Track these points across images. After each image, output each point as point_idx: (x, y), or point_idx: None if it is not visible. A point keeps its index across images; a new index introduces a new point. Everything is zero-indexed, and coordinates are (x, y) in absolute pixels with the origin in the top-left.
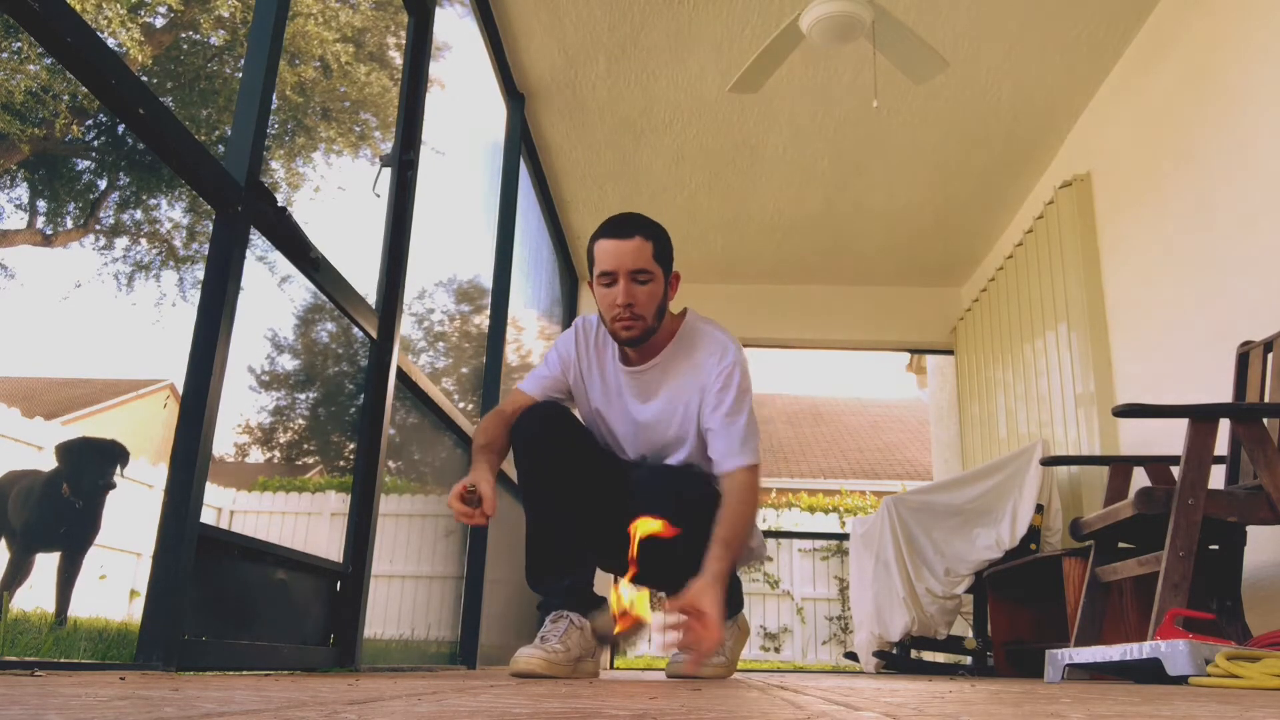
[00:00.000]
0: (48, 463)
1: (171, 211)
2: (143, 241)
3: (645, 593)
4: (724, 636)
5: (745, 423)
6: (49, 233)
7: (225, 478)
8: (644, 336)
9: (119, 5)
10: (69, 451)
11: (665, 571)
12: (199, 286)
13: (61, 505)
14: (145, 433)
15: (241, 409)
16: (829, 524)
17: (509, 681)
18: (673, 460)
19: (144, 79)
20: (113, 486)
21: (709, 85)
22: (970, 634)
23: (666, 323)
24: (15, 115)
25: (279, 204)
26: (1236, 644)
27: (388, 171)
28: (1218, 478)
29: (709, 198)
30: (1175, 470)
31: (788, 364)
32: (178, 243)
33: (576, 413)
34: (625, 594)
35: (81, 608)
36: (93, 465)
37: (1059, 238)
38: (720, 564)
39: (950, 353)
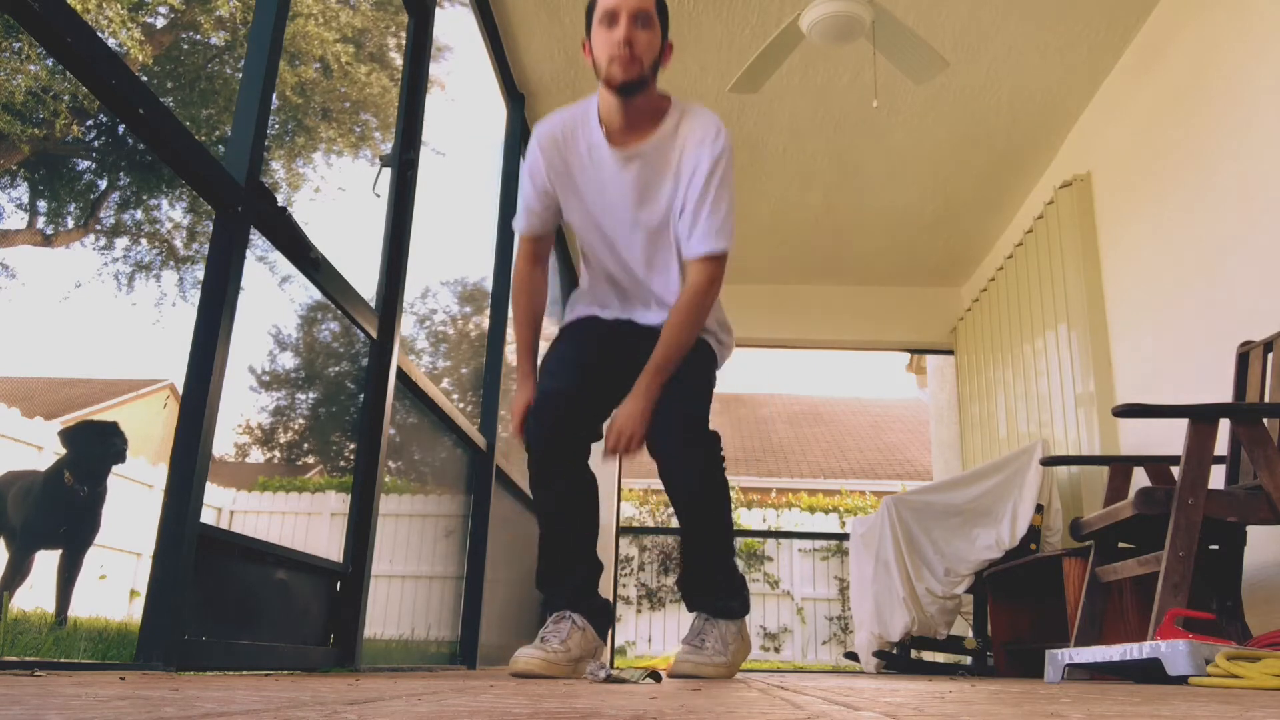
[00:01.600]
0: (47, 462)
1: (171, 211)
2: (143, 241)
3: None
4: (640, 432)
5: (727, 210)
6: (49, 233)
7: (225, 478)
8: (639, 84)
9: (119, 5)
10: (71, 435)
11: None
12: (199, 286)
13: (64, 498)
14: (145, 433)
15: (241, 409)
16: (829, 524)
17: (509, 681)
18: (667, 255)
19: (144, 79)
20: (121, 460)
21: (709, 85)
22: (970, 634)
23: (655, 100)
24: (15, 115)
25: (279, 204)
26: (1236, 644)
27: (388, 171)
28: (1218, 478)
29: None
30: (1175, 470)
31: (788, 364)
32: (178, 243)
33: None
34: None
35: (81, 608)
36: (96, 445)
37: (1059, 238)
38: (652, 389)
39: (950, 353)
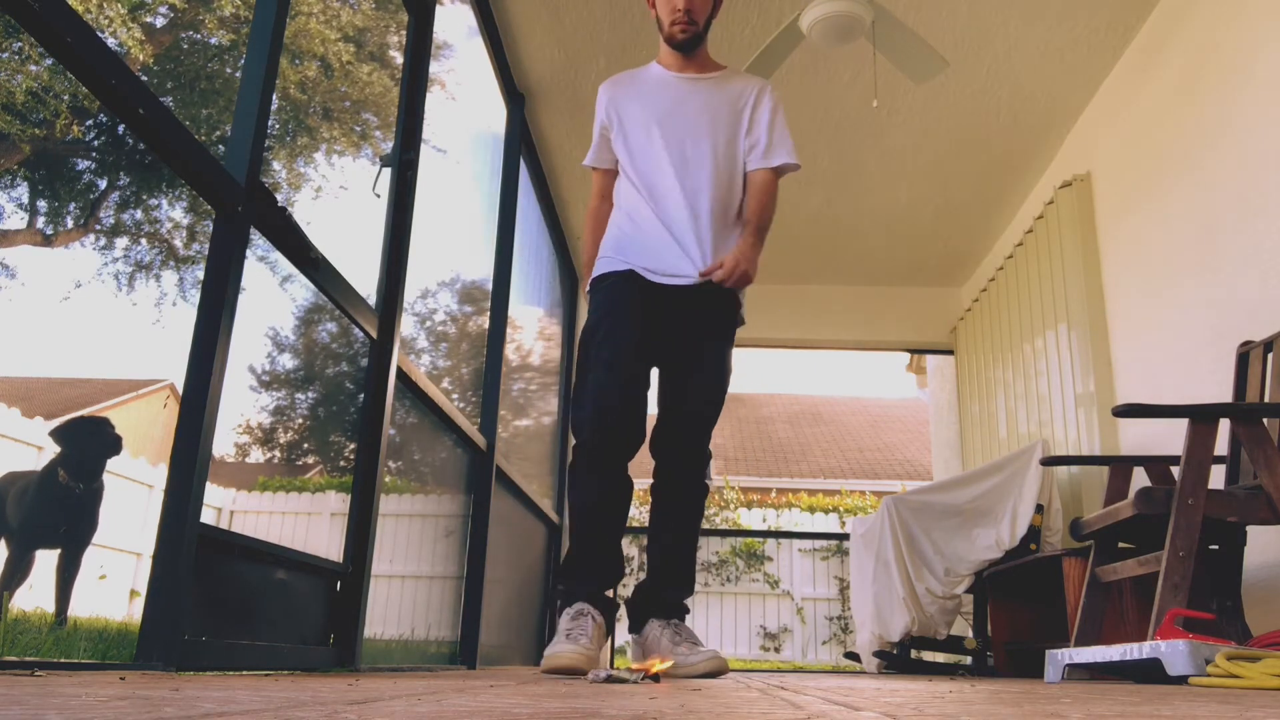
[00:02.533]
0: (45, 463)
1: (171, 211)
2: (143, 241)
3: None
4: (752, 274)
5: (788, 129)
6: (49, 233)
7: (225, 478)
8: (696, 41)
9: (120, 5)
10: (64, 433)
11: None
12: (199, 286)
13: (60, 495)
14: (145, 433)
15: (241, 409)
16: (829, 524)
17: (509, 681)
18: (715, 179)
19: (144, 79)
20: (116, 452)
21: None
22: (970, 634)
23: (709, 58)
24: (15, 115)
25: (279, 204)
26: (1236, 644)
27: (388, 171)
28: (1218, 478)
29: None
30: (1175, 470)
31: (788, 364)
32: (178, 243)
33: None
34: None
35: (81, 608)
36: (89, 441)
37: (1059, 238)
38: (756, 241)
39: (950, 353)
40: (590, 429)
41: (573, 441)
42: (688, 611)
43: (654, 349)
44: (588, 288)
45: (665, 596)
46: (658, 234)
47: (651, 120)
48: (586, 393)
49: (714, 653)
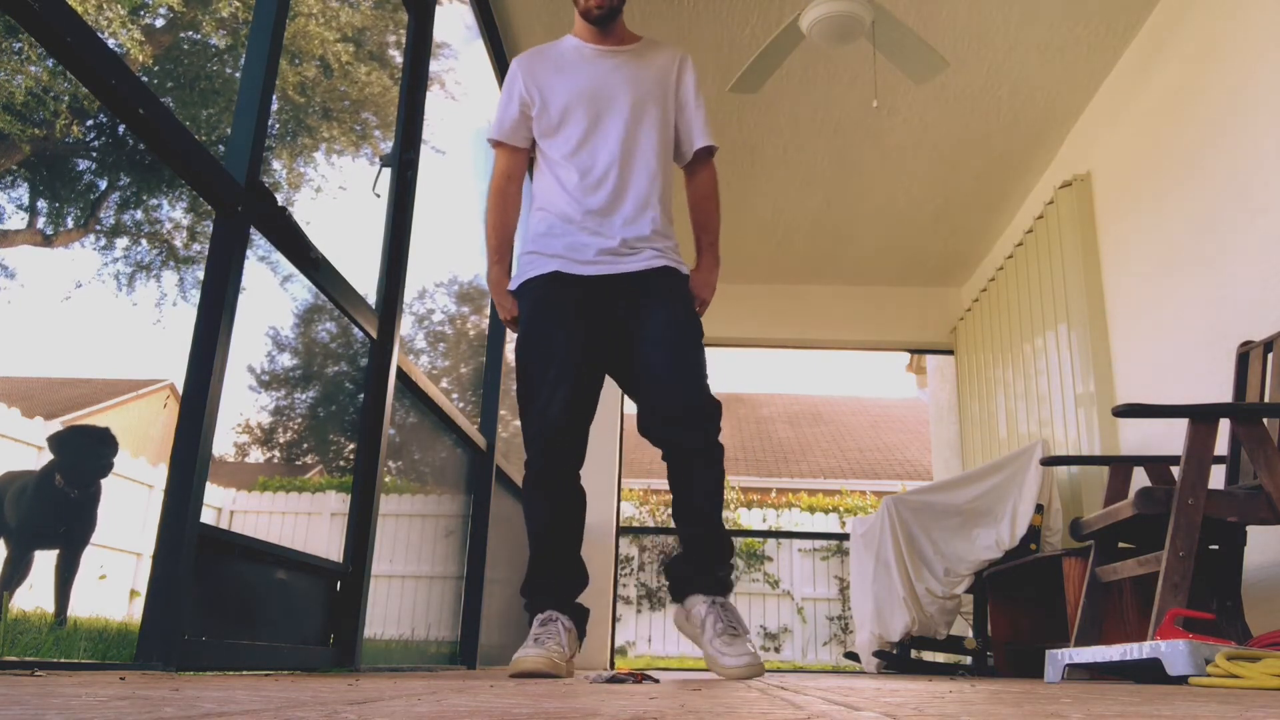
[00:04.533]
0: (44, 463)
1: (172, 212)
2: (143, 242)
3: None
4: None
5: (707, 108)
6: (49, 233)
7: (225, 478)
8: (612, 14)
9: (119, 6)
10: (60, 441)
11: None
12: (199, 286)
13: (56, 498)
14: (145, 433)
15: (241, 409)
16: (829, 524)
17: (509, 681)
18: (644, 160)
19: (144, 79)
20: (109, 468)
21: (709, 85)
22: (970, 634)
23: (626, 31)
24: (15, 115)
25: (279, 204)
26: (1236, 644)
27: (388, 171)
28: (1218, 478)
29: None
30: (1175, 470)
31: (788, 364)
32: (178, 243)
33: (538, 160)
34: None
35: (81, 608)
36: (85, 451)
37: (1059, 238)
38: (714, 261)
39: (950, 353)
40: (537, 452)
41: (524, 457)
42: (731, 587)
43: (598, 346)
44: (511, 287)
45: (707, 571)
46: (584, 223)
47: (578, 98)
48: (531, 414)
49: (752, 656)
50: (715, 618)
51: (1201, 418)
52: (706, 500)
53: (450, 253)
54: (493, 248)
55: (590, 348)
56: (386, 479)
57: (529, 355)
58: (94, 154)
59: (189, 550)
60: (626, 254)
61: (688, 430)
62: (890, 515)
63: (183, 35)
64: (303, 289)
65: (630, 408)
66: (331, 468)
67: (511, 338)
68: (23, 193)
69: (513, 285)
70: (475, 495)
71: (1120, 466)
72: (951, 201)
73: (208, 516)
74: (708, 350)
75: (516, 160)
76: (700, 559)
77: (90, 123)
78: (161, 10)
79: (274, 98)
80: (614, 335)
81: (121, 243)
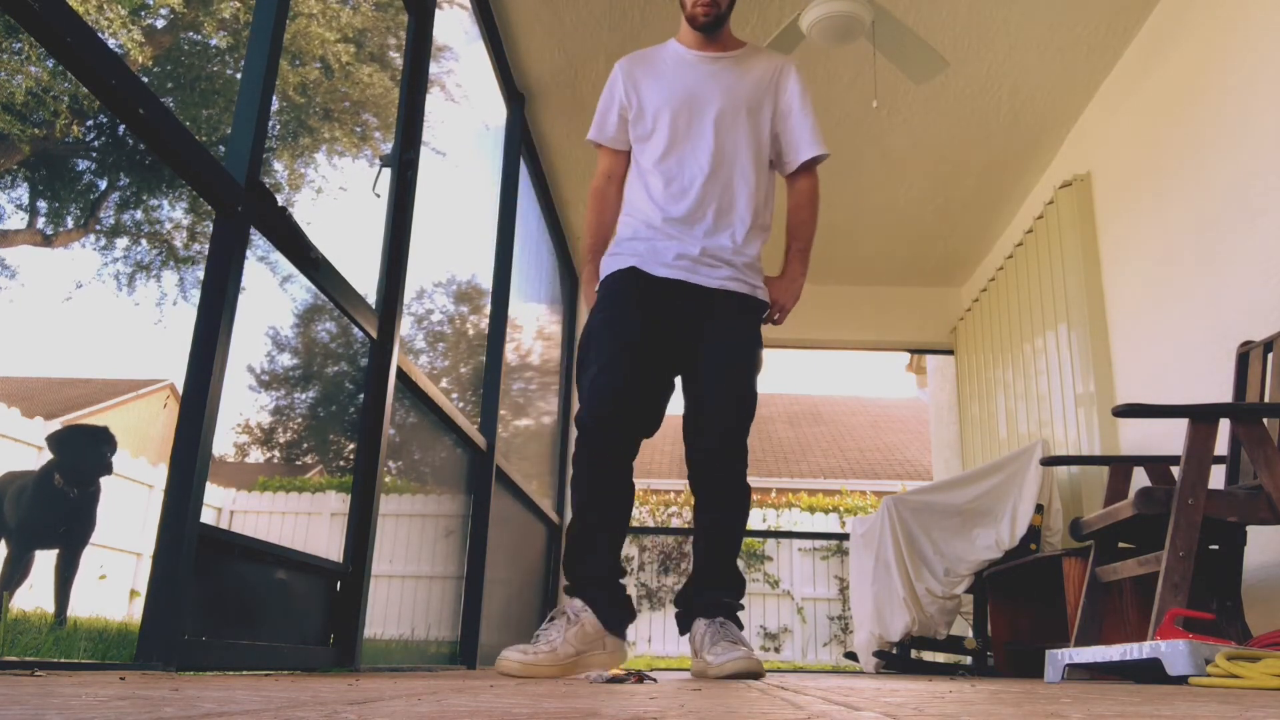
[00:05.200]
0: (44, 462)
1: (171, 212)
2: (143, 242)
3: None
4: (793, 306)
5: (816, 116)
6: (49, 233)
7: (225, 478)
8: (718, 22)
9: (120, 6)
10: (59, 441)
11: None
12: (199, 286)
13: (56, 498)
14: (145, 433)
15: (241, 409)
16: (829, 524)
17: (509, 681)
18: (742, 168)
19: (144, 79)
20: (109, 467)
21: None
22: (970, 634)
23: (732, 37)
24: (15, 115)
25: (279, 204)
26: (1236, 644)
27: (388, 171)
28: (1218, 478)
29: None
30: (1175, 470)
31: (788, 364)
32: (178, 243)
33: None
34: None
35: (81, 608)
36: (84, 450)
37: (1059, 238)
38: (801, 269)
39: (950, 353)
40: (588, 414)
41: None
42: (739, 609)
43: (667, 348)
44: (596, 287)
45: (707, 596)
46: (666, 229)
47: (670, 104)
48: (584, 396)
49: (745, 653)
50: (713, 631)
51: (1201, 418)
52: (727, 537)
53: (451, 253)
54: (587, 246)
55: (649, 345)
56: (386, 479)
57: (588, 342)
58: (94, 154)
59: (189, 550)
60: (706, 265)
61: (724, 464)
62: (890, 515)
63: (183, 35)
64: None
65: None
66: (331, 468)
67: (512, 337)
68: (23, 193)
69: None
70: (475, 495)
71: (1120, 466)
72: (951, 201)
73: (208, 516)
74: None
75: (617, 161)
76: (701, 586)
77: (90, 123)
78: (162, 10)
79: (274, 98)
80: (680, 341)
81: (121, 243)
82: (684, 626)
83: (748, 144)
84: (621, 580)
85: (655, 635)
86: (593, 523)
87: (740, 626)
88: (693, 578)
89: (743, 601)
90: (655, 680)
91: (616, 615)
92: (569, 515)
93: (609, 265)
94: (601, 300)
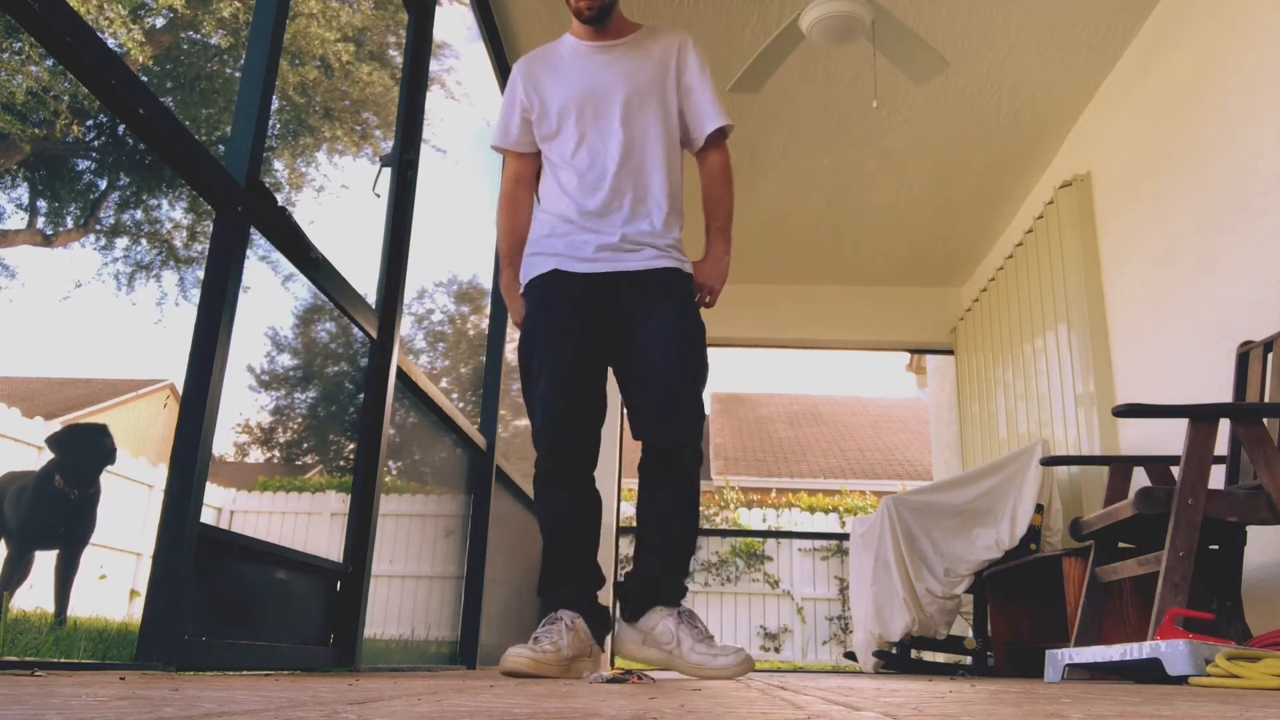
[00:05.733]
0: (43, 463)
1: (171, 211)
2: (143, 241)
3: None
4: (720, 287)
5: (715, 87)
6: (49, 233)
7: (225, 478)
8: (604, 14)
9: (120, 6)
10: (59, 441)
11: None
12: (199, 286)
13: (56, 498)
14: (145, 433)
15: (241, 409)
16: (829, 524)
17: (509, 681)
18: (650, 155)
19: (144, 79)
20: (110, 462)
21: None
22: (970, 634)
23: (624, 23)
24: (15, 115)
25: (279, 204)
26: (1236, 644)
27: (388, 171)
28: (1218, 478)
29: None
30: (1175, 470)
31: (788, 364)
32: (178, 243)
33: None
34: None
35: (81, 608)
36: (84, 451)
37: (1059, 238)
38: (724, 248)
39: (950, 353)
40: (545, 452)
41: (526, 457)
42: (683, 595)
43: (602, 344)
44: (522, 291)
45: (664, 581)
46: (583, 223)
47: (573, 100)
48: (535, 412)
49: (739, 650)
50: (688, 627)
51: (1201, 418)
52: (683, 504)
53: (450, 253)
54: (503, 252)
55: (591, 346)
56: (386, 479)
57: (529, 355)
58: (94, 154)
59: (189, 550)
60: (627, 251)
61: (674, 431)
62: (890, 515)
63: (183, 35)
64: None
65: None
66: (331, 468)
67: (512, 337)
68: (23, 193)
69: (523, 286)
70: (475, 495)
71: (1120, 466)
72: (951, 201)
73: (208, 516)
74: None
75: (524, 164)
76: (667, 563)
77: (90, 123)
78: (162, 10)
79: (274, 98)
80: (616, 334)
81: (121, 243)
82: (634, 613)
83: (656, 129)
84: (600, 590)
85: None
86: (567, 541)
87: (684, 594)
88: (645, 561)
89: (685, 584)
90: (655, 680)
91: (599, 629)
92: (540, 532)
93: (530, 267)
94: (532, 310)
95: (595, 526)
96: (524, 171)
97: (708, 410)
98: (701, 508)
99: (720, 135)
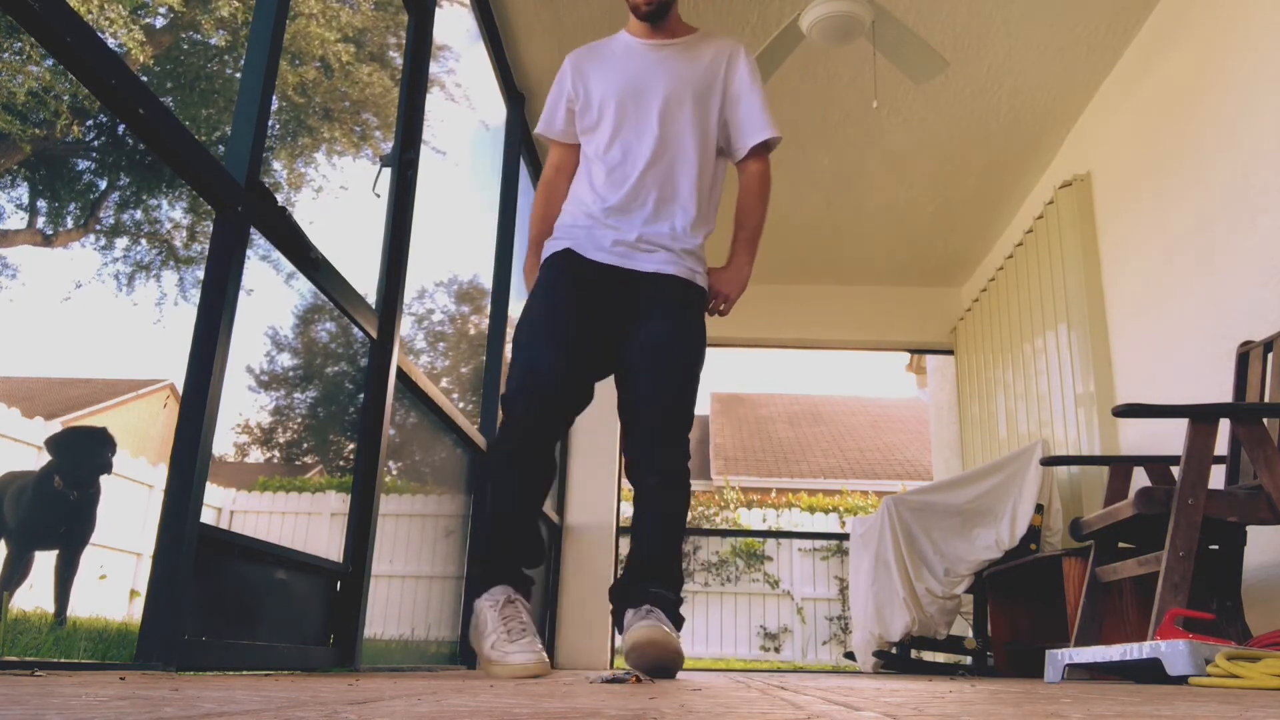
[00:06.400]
0: (42, 464)
1: (171, 211)
2: (143, 241)
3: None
4: (737, 297)
5: (765, 96)
6: (49, 233)
7: (225, 478)
8: (662, 11)
9: (120, 6)
10: (58, 444)
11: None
12: (199, 286)
13: (55, 500)
14: (145, 433)
15: (241, 409)
16: (829, 524)
17: (509, 681)
18: (687, 154)
19: (144, 79)
20: (108, 468)
21: None
22: (970, 634)
23: (681, 24)
24: (16, 115)
25: (279, 204)
26: (1236, 644)
27: (388, 171)
28: (1218, 478)
29: None
30: (1175, 470)
31: (788, 364)
32: (178, 243)
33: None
34: None
35: (81, 608)
36: (83, 452)
37: (1059, 238)
38: (747, 259)
39: (950, 353)
40: (516, 391)
41: (499, 418)
42: (676, 603)
43: (600, 330)
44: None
45: (640, 588)
46: (604, 219)
47: (615, 94)
48: (517, 366)
49: (671, 632)
50: (643, 614)
51: (1201, 418)
52: (670, 521)
53: (451, 252)
54: (531, 237)
55: (587, 326)
56: (386, 479)
57: (525, 319)
58: (94, 154)
59: (189, 550)
60: (641, 251)
61: (663, 447)
62: (890, 515)
63: (183, 35)
64: (303, 289)
65: None
66: (331, 468)
67: (511, 336)
68: (23, 193)
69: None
70: (475, 495)
71: (1120, 466)
72: (951, 201)
73: (208, 516)
74: (709, 350)
75: (567, 154)
76: (651, 576)
77: (90, 123)
78: (161, 10)
79: (274, 98)
80: (614, 328)
81: (121, 242)
82: (619, 621)
83: (692, 131)
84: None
85: None
86: (520, 514)
87: (678, 622)
88: (628, 571)
89: (683, 595)
90: (654, 680)
91: (529, 593)
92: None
93: (549, 247)
94: (538, 283)
95: (545, 494)
96: (566, 161)
97: (708, 410)
98: (702, 508)
99: (764, 147)
